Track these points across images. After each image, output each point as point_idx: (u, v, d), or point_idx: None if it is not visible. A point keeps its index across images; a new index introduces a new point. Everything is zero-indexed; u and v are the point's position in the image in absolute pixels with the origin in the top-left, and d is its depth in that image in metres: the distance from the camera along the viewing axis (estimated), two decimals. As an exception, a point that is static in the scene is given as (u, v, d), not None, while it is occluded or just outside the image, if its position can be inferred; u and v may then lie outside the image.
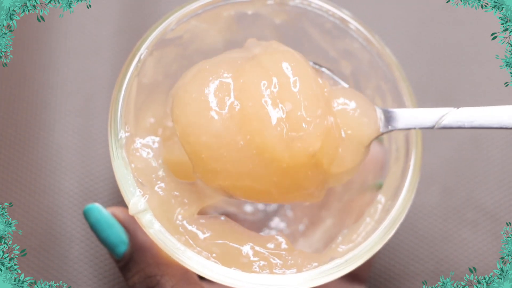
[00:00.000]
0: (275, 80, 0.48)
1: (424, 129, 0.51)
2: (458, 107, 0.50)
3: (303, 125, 0.48)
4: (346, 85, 0.54)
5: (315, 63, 0.55)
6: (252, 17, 0.56)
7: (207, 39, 0.57)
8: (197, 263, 0.49)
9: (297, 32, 0.57)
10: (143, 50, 0.53)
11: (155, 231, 0.49)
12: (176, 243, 0.49)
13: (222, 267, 0.49)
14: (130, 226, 0.54)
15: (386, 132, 0.51)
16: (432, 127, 0.50)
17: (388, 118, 0.51)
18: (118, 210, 0.55)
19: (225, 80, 0.49)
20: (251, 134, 0.48)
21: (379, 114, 0.51)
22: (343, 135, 0.50)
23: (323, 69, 0.54)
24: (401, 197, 0.52)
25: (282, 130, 0.47)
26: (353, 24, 0.56)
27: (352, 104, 0.51)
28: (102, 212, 0.54)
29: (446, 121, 0.49)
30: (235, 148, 0.48)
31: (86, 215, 0.55)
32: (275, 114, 0.48)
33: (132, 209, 0.49)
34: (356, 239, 0.53)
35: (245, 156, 0.48)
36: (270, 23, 0.57)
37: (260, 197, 0.50)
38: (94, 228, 0.54)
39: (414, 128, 0.51)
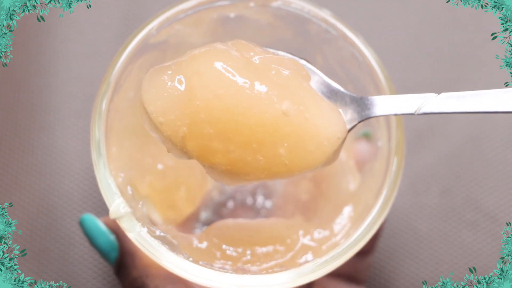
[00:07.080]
0: None
1: (405, 115, 0.49)
2: (439, 93, 0.49)
3: None
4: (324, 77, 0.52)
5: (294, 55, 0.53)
6: (236, 20, 0.56)
7: (192, 42, 0.57)
8: (176, 266, 0.49)
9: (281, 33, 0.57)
10: (112, 78, 0.53)
11: (135, 234, 0.49)
12: (157, 245, 0.49)
13: (202, 268, 0.49)
14: (119, 233, 0.56)
15: (364, 120, 0.49)
16: (412, 113, 0.48)
17: (367, 105, 0.50)
18: (110, 219, 0.56)
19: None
20: None
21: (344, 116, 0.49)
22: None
23: (303, 62, 0.53)
24: (383, 195, 0.52)
25: None
26: (339, 25, 0.55)
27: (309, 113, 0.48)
28: (94, 221, 0.56)
29: (426, 108, 0.48)
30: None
31: (81, 225, 0.57)
32: None
33: (112, 213, 0.50)
34: (336, 238, 0.53)
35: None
36: (254, 25, 0.57)
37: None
38: (88, 237, 0.57)
39: (394, 115, 0.49)
